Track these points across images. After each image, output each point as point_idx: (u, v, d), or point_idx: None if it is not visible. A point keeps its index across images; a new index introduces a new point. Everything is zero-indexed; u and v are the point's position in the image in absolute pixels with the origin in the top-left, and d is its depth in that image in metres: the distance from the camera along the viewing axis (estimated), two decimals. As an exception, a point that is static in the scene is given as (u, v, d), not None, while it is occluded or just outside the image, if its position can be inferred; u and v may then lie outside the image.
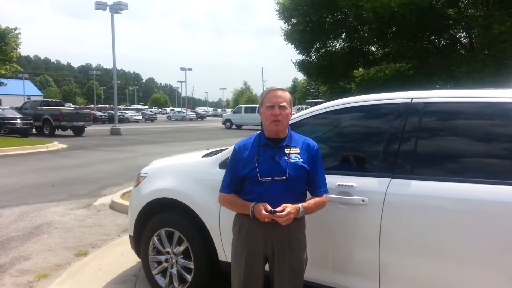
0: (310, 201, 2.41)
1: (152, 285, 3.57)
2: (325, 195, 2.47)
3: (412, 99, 2.71)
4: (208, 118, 68.45)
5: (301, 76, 60.53)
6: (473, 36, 15.77)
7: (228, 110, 58.23)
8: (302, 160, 2.39)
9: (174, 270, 3.42)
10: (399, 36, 16.13)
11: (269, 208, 2.26)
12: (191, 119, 59.47)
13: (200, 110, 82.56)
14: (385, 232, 2.49)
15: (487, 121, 2.53)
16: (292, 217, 2.28)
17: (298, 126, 2.95)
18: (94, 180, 9.41)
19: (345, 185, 2.66)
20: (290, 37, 19.92)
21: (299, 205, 2.33)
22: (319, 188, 2.46)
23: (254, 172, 2.35)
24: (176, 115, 63.12)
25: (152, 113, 58.24)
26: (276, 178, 2.33)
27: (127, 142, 20.13)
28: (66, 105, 35.15)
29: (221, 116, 51.01)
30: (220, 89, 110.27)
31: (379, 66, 20.19)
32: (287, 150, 2.40)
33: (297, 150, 2.42)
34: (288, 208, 2.26)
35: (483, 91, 2.58)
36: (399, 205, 2.48)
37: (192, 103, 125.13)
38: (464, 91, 2.64)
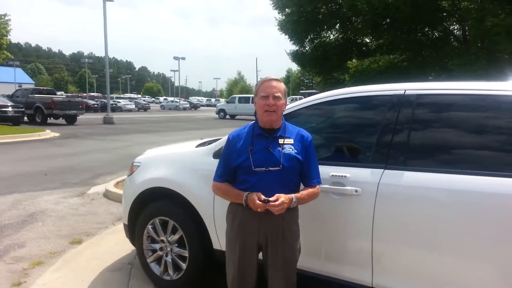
0: (303, 192, 2.44)
1: (147, 273, 3.61)
2: (318, 186, 2.50)
3: (405, 90, 2.74)
4: (201, 108, 68.20)
5: (295, 67, 60.50)
6: (466, 28, 15.81)
7: (222, 100, 58.06)
8: (295, 151, 2.41)
9: (169, 258, 3.45)
10: (393, 28, 16.11)
11: (263, 197, 2.29)
12: (184, 109, 59.25)
13: (194, 99, 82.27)
14: (378, 222, 2.53)
15: (479, 113, 2.56)
16: (285, 206, 2.30)
17: (291, 117, 2.97)
18: (87, 169, 9.39)
19: (339, 176, 2.70)
20: (284, 27, 19.79)
21: (292, 195, 2.36)
22: (312, 179, 2.48)
23: (248, 162, 2.37)
24: (170, 105, 62.80)
25: (145, 102, 58.06)
26: (270, 168, 2.36)
27: (120, 131, 20.03)
28: (58, 93, 34.83)
29: (214, 106, 50.85)
30: (214, 78, 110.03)
31: (373, 58, 20.15)
32: (281, 141, 2.42)
33: (291, 141, 2.44)
34: (282, 197, 2.29)
35: (475, 84, 2.61)
36: (392, 196, 2.51)
37: (186, 92, 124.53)
38: (457, 83, 2.67)
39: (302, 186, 2.53)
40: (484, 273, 2.27)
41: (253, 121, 2.55)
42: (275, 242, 2.41)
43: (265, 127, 2.45)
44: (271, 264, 2.44)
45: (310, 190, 2.46)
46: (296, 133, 2.50)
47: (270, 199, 2.28)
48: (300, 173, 2.48)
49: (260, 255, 2.52)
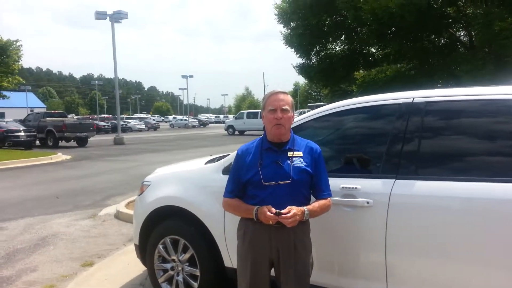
0: (315, 204, 2.40)
1: (159, 293, 3.56)
2: (329, 198, 2.46)
3: (413, 98, 2.70)
4: (210, 124, 68.53)
5: (302, 80, 60.65)
6: (473, 34, 15.74)
7: (230, 116, 58.31)
8: (305, 163, 2.39)
9: (180, 278, 3.41)
10: (398, 37, 16.11)
11: (274, 210, 2.25)
12: (193, 127, 59.56)
13: (203, 117, 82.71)
14: (391, 234, 2.47)
15: (489, 118, 2.52)
16: (298, 219, 2.27)
17: (300, 129, 2.95)
18: (98, 191, 9.42)
19: (349, 188, 2.65)
20: (290, 41, 19.91)
21: (304, 207, 2.32)
22: (323, 192, 2.45)
23: (258, 177, 2.35)
24: (179, 123, 63.23)
25: (154, 122, 58.42)
26: (280, 182, 2.33)
27: (131, 151, 20.16)
28: (69, 116, 35.32)
29: (223, 122, 51.05)
30: (222, 95, 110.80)
31: (379, 67, 20.14)
32: (290, 154, 2.39)
33: (300, 153, 2.41)
34: (294, 209, 2.25)
35: (484, 89, 2.57)
36: (404, 206, 2.46)
37: (194, 110, 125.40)
38: (465, 89, 2.64)
39: (313, 199, 2.49)
40: (500, 281, 2.20)
41: (261, 136, 2.53)
42: (287, 257, 2.37)
43: (274, 140, 2.43)
44: (284, 280, 2.39)
45: (321, 202, 2.42)
46: (305, 145, 2.47)
47: (282, 211, 2.25)
48: (310, 186, 2.44)
49: (272, 271, 2.47)
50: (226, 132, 36.44)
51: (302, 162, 2.38)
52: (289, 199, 2.34)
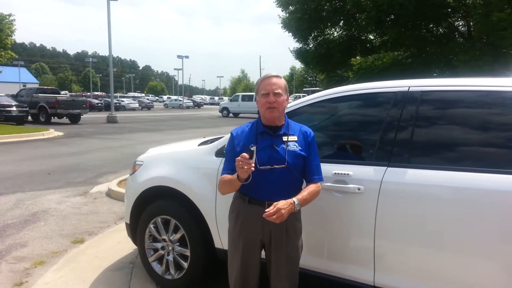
0: (304, 193, 2.36)
1: (149, 272, 3.59)
2: (319, 183, 2.46)
3: (409, 87, 2.70)
4: (205, 106, 68.21)
5: (298, 65, 60.34)
6: (471, 24, 15.70)
7: (225, 98, 58.02)
8: (300, 148, 2.39)
9: (170, 258, 3.43)
10: (397, 24, 16.06)
11: (246, 155, 2.16)
12: (188, 107, 59.27)
13: (197, 98, 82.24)
14: (380, 220, 2.49)
15: (484, 109, 2.51)
16: (284, 213, 2.21)
17: (295, 114, 2.94)
18: (90, 168, 9.39)
19: (342, 174, 2.66)
20: (288, 25, 19.78)
21: (294, 198, 2.29)
22: (313, 176, 2.44)
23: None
24: (173, 103, 62.86)
25: (148, 101, 58.00)
26: (275, 166, 2.32)
27: (124, 130, 20.06)
28: (62, 92, 34.93)
29: (218, 104, 50.78)
30: (217, 77, 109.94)
31: (377, 55, 20.09)
32: (284, 138, 2.38)
33: (295, 138, 2.41)
34: (279, 204, 2.21)
35: (480, 80, 2.56)
36: (394, 194, 2.48)
37: (189, 91, 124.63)
38: (461, 80, 2.63)
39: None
40: (487, 271, 2.24)
41: (256, 119, 2.51)
42: (279, 240, 2.39)
43: (268, 124, 2.42)
44: (275, 262, 2.42)
45: (311, 189, 2.40)
46: (299, 129, 2.47)
47: (266, 210, 2.21)
48: (303, 170, 2.44)
49: (263, 254, 2.49)
50: (220, 114, 36.30)
51: (296, 147, 2.38)
52: (283, 182, 2.35)
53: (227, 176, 2.39)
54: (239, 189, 2.47)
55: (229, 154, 2.50)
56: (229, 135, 2.62)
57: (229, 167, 2.44)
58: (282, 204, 2.23)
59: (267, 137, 2.40)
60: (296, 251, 2.45)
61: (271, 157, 2.34)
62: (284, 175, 2.34)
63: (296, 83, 69.46)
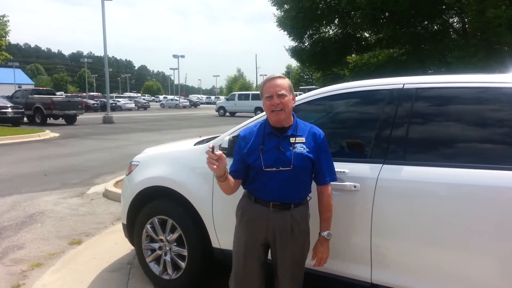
0: (324, 217, 2.44)
1: (146, 272, 3.58)
2: (329, 187, 2.44)
3: (404, 84, 2.70)
4: (201, 105, 68.15)
5: (294, 63, 60.31)
6: (466, 21, 15.74)
7: (222, 98, 57.96)
8: (307, 149, 2.35)
9: (167, 258, 3.43)
10: (392, 22, 16.07)
11: (211, 145, 2.22)
12: (184, 107, 59.19)
13: (194, 97, 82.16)
14: (376, 218, 2.50)
15: (479, 106, 2.52)
16: (326, 256, 2.46)
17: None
18: (87, 169, 9.37)
19: (338, 171, 2.65)
20: (283, 23, 19.74)
21: (323, 234, 2.43)
22: (325, 177, 2.41)
23: (259, 162, 2.32)
24: (169, 103, 62.77)
25: (145, 101, 57.94)
26: (281, 168, 2.30)
27: (120, 130, 20.01)
28: (58, 93, 34.77)
29: (214, 103, 50.77)
30: (214, 76, 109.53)
31: (372, 52, 20.11)
32: (292, 140, 2.35)
33: (303, 139, 2.37)
34: (320, 254, 2.44)
35: (474, 76, 2.57)
36: (390, 191, 2.48)
37: (186, 90, 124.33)
38: (456, 76, 2.64)
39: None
40: (484, 268, 2.25)
41: (265, 119, 2.49)
42: (284, 240, 2.36)
43: (276, 125, 2.40)
44: (280, 262, 2.40)
45: (323, 204, 2.43)
46: (308, 130, 2.43)
47: (314, 264, 2.44)
48: (312, 171, 2.42)
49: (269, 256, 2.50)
50: (217, 113, 36.28)
51: (304, 148, 2.34)
52: (290, 185, 2.33)
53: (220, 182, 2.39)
54: (246, 189, 2.48)
55: (235, 156, 2.48)
56: (225, 134, 2.62)
57: (235, 167, 2.44)
58: (321, 251, 2.44)
59: (274, 138, 2.37)
60: (301, 251, 2.43)
61: (277, 158, 2.31)
62: (290, 177, 2.32)
63: (292, 82, 69.14)
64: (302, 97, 3.14)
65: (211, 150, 2.18)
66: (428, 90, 2.65)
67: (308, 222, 2.47)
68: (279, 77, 2.41)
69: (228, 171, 2.38)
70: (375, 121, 2.73)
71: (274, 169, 2.31)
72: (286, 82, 2.40)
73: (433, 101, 2.65)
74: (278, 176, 2.31)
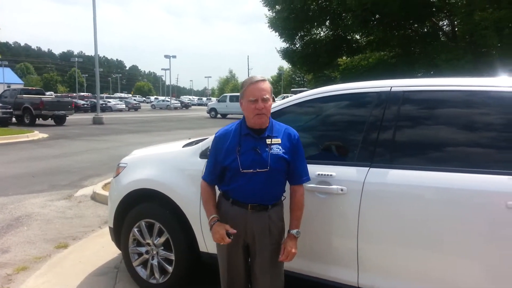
0: (294, 215, 2.44)
1: (133, 276, 3.54)
2: (302, 188, 2.47)
3: (391, 87, 2.71)
4: (193, 107, 67.85)
5: (286, 65, 60.37)
6: (455, 23, 15.88)
7: (213, 99, 57.82)
8: (283, 150, 2.37)
9: (155, 262, 3.40)
10: (382, 24, 16.17)
11: (231, 230, 2.31)
12: (175, 108, 58.95)
13: (185, 98, 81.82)
14: (363, 221, 2.50)
15: (465, 109, 2.54)
16: (295, 250, 2.39)
17: (280, 115, 2.95)
18: (75, 171, 9.27)
19: (325, 175, 2.66)
20: (275, 24, 19.76)
21: (292, 231, 2.41)
22: (301, 177, 2.45)
23: (236, 163, 2.33)
24: (160, 104, 62.49)
25: (135, 102, 57.56)
26: (258, 170, 2.32)
27: (110, 131, 19.86)
28: (47, 93, 34.44)
29: (206, 105, 50.57)
30: (205, 77, 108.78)
31: (363, 55, 20.21)
32: (268, 141, 2.37)
33: (279, 140, 2.39)
34: (289, 249, 2.37)
35: (461, 80, 2.59)
36: (377, 194, 2.49)
37: (177, 91, 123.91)
38: (443, 80, 2.65)
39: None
40: (469, 271, 2.26)
41: (240, 119, 2.49)
42: (263, 240, 2.39)
43: (254, 127, 2.40)
44: (259, 262, 2.41)
45: (295, 203, 2.45)
46: (283, 131, 2.45)
47: (281, 258, 2.37)
48: (287, 172, 2.44)
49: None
50: (208, 115, 36.15)
51: (280, 150, 2.37)
52: (266, 185, 2.35)
53: (208, 205, 2.46)
54: (222, 190, 2.47)
55: (211, 157, 2.49)
56: (213, 136, 2.60)
57: (210, 176, 2.48)
58: (290, 246, 2.38)
59: (250, 139, 2.38)
60: (279, 249, 2.44)
61: (254, 160, 2.33)
62: (267, 179, 2.34)
63: (284, 84, 69.50)
64: (290, 99, 3.14)
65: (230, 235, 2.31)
66: (415, 93, 2.66)
67: (283, 220, 2.50)
68: (263, 80, 2.40)
69: (206, 179, 2.50)
70: (362, 123, 2.73)
71: (251, 170, 2.32)
72: (269, 85, 2.41)
73: (420, 104, 2.66)
74: (255, 178, 2.33)
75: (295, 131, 2.49)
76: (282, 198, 2.50)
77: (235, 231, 2.30)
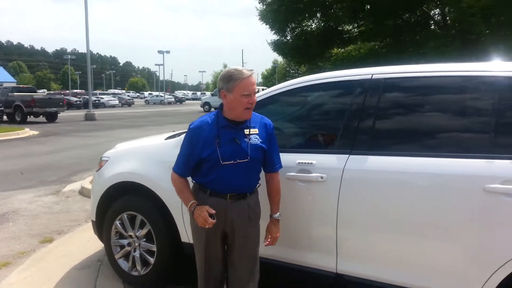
0: (273, 201, 2.51)
1: (115, 269, 3.52)
2: (278, 174, 2.51)
3: (372, 75, 2.69)
4: (187, 101, 67.67)
5: (281, 58, 60.32)
6: (446, 12, 15.87)
7: (208, 93, 57.64)
8: (261, 140, 2.38)
9: (137, 254, 3.37)
10: (372, 14, 16.12)
11: (213, 211, 2.27)
12: (169, 103, 58.75)
13: (180, 93, 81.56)
14: (342, 208, 2.49)
15: (445, 95, 2.53)
16: (278, 234, 2.51)
17: (261, 106, 2.88)
18: (64, 166, 9.21)
19: (305, 163, 2.64)
20: (265, 17, 19.67)
21: (274, 216, 2.49)
22: (275, 165, 2.49)
23: (216, 155, 2.29)
24: (154, 99, 62.25)
25: (129, 98, 57.17)
26: (238, 161, 2.30)
27: (102, 127, 19.76)
28: (40, 91, 34.16)
29: (200, 99, 50.45)
30: (200, 72, 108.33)
31: (354, 45, 20.18)
32: (246, 131, 2.36)
33: (256, 130, 2.39)
34: (274, 234, 2.48)
35: (442, 65, 2.57)
36: (356, 181, 2.47)
37: (171, 86, 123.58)
38: (422, 66, 2.64)
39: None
40: (447, 256, 2.25)
41: (215, 111, 2.44)
42: (242, 227, 2.39)
43: (235, 119, 2.36)
44: (237, 249, 2.41)
45: (274, 189, 2.50)
46: (259, 121, 2.45)
47: (266, 243, 2.45)
48: (264, 160, 2.45)
49: None
50: (202, 109, 36.06)
51: (258, 139, 2.37)
52: (245, 175, 2.36)
53: (185, 192, 2.42)
54: (198, 182, 2.43)
55: (185, 149, 2.41)
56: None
57: (182, 169, 2.42)
58: (275, 231, 2.48)
59: (229, 130, 2.35)
60: (257, 236, 2.47)
61: (234, 151, 2.31)
62: (246, 168, 2.34)
63: (278, 76, 69.39)
64: (271, 90, 3.10)
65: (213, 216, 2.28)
66: (396, 80, 2.64)
67: (260, 206, 2.51)
68: (252, 74, 2.36)
69: (178, 172, 2.44)
70: (343, 112, 2.72)
71: (232, 161, 2.30)
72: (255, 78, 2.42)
73: (401, 91, 2.66)
74: (235, 168, 2.31)
75: (269, 121, 2.50)
76: (258, 185, 2.49)
77: (214, 211, 2.27)
